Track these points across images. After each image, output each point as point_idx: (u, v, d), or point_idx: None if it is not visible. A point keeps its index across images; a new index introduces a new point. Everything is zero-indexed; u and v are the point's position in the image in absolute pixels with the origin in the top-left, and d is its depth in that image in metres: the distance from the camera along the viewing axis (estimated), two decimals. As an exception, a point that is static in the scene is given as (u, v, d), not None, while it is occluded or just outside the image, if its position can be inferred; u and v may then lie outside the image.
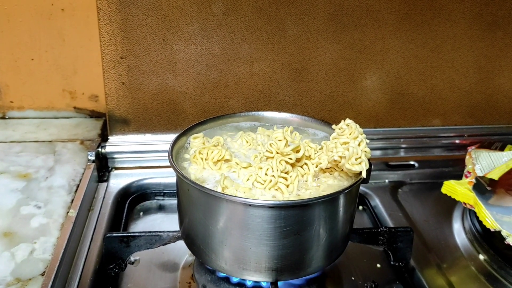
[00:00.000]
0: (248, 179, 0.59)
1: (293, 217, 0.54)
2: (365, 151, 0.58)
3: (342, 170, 0.61)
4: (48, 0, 0.89)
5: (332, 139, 0.61)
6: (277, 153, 0.60)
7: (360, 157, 0.58)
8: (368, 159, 0.61)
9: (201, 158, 0.63)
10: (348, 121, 0.62)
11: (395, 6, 0.88)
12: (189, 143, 0.67)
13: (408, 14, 0.89)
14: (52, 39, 0.93)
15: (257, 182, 0.59)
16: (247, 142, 0.66)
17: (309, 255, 0.58)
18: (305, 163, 0.62)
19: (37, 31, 0.92)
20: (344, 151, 0.57)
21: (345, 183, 0.60)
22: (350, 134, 0.60)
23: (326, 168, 0.61)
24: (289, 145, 0.60)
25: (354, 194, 0.61)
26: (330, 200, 0.56)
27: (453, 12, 0.89)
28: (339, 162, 0.58)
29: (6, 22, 0.91)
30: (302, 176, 0.61)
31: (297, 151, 0.61)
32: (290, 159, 0.60)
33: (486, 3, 0.90)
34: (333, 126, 0.63)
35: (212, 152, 0.63)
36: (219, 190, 0.57)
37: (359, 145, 0.58)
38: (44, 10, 0.90)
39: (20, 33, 0.92)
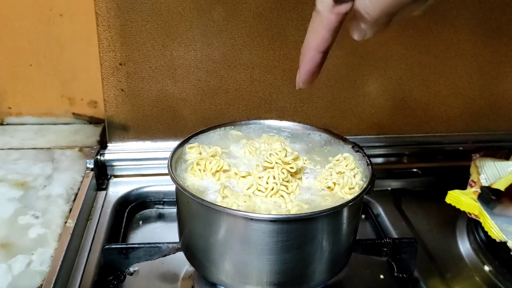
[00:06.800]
0: (248, 188, 0.58)
1: (296, 231, 0.53)
2: (359, 184, 0.60)
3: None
4: (46, 6, 0.88)
5: (328, 169, 0.62)
6: (277, 163, 0.59)
7: (354, 188, 0.59)
8: (372, 168, 0.61)
9: (199, 170, 0.61)
10: (345, 154, 0.64)
11: (398, 12, 0.87)
12: (186, 154, 0.66)
13: (411, 20, 0.87)
14: (51, 45, 0.91)
15: (258, 190, 0.58)
16: (250, 153, 0.65)
17: (312, 269, 0.57)
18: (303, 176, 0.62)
19: (35, 37, 0.90)
20: (339, 178, 0.59)
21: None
22: (346, 166, 0.62)
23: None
24: (287, 156, 0.60)
25: (358, 206, 0.60)
26: (334, 213, 0.54)
27: (457, 18, 0.88)
28: (332, 189, 0.59)
29: (4, 28, 0.89)
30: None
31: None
32: (292, 168, 0.59)
33: (490, 8, 0.88)
34: (330, 158, 0.65)
35: (210, 163, 0.61)
36: (219, 199, 0.56)
37: (354, 176, 0.60)
38: (42, 16, 0.89)
39: (18, 38, 0.90)
